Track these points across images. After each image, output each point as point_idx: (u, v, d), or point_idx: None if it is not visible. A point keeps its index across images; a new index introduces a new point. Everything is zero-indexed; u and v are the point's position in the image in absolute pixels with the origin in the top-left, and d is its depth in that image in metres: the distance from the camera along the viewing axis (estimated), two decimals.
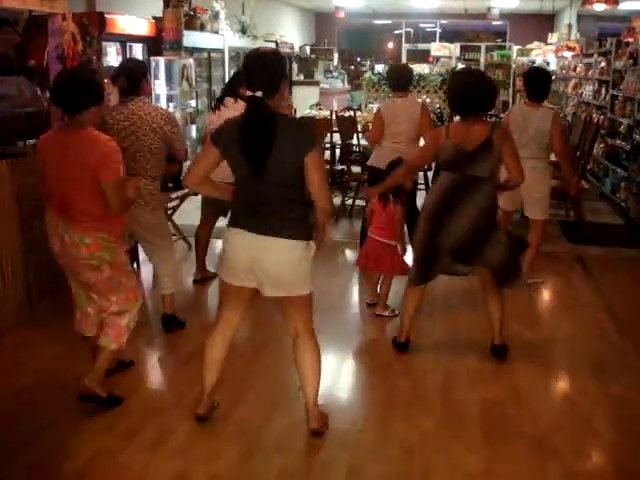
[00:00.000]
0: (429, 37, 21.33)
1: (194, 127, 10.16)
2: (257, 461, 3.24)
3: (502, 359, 4.26)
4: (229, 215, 3.31)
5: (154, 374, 4.27)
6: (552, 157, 5.57)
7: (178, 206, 6.47)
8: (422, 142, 5.83)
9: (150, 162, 4.30)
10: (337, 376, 4.13)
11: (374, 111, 11.20)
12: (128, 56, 8.60)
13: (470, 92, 3.97)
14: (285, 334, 4.46)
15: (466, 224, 3.99)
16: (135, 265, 5.72)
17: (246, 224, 3.13)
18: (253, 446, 3.35)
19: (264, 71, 3.07)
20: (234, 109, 4.92)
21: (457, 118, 4.20)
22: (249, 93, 3.03)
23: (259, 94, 3.01)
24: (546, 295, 5.41)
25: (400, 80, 5.90)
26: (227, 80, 5.98)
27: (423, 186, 7.35)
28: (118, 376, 3.87)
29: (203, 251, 5.64)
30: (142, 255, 5.95)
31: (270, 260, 3.11)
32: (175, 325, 4.71)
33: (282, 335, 4.58)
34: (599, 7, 11.00)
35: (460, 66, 15.95)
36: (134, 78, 4.35)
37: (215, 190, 3.37)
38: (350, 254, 6.56)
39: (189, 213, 6.45)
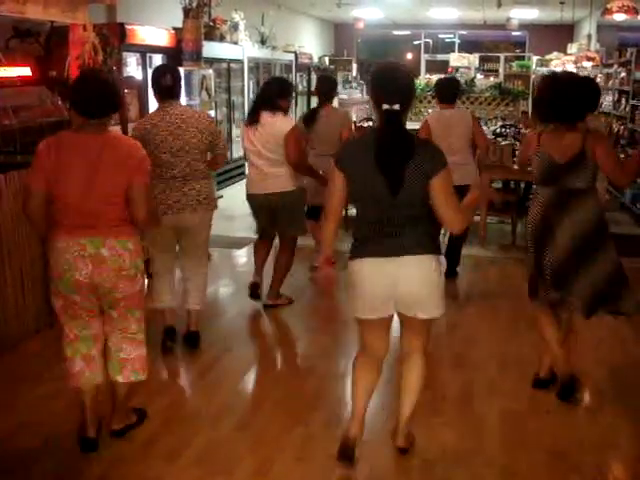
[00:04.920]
0: (448, 48, 21.32)
1: None
2: (276, 472, 3.22)
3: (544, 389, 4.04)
4: (351, 246, 3.06)
5: (172, 385, 4.27)
6: None
7: None
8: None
9: (202, 162, 4.29)
10: None
11: None
12: (148, 66, 8.66)
13: (569, 97, 3.62)
14: (297, 345, 4.48)
15: (569, 243, 3.67)
16: None
17: (375, 251, 2.95)
18: (272, 457, 3.32)
19: (403, 84, 2.93)
20: (271, 125, 4.84)
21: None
22: (385, 106, 2.83)
23: (396, 107, 2.83)
24: None
25: (450, 92, 5.90)
26: (257, 92, 5.78)
27: None
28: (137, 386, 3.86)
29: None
30: None
31: (410, 280, 2.94)
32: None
33: (295, 346, 4.57)
34: (619, 17, 10.90)
35: (480, 76, 15.93)
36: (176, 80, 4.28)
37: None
38: None
39: None
